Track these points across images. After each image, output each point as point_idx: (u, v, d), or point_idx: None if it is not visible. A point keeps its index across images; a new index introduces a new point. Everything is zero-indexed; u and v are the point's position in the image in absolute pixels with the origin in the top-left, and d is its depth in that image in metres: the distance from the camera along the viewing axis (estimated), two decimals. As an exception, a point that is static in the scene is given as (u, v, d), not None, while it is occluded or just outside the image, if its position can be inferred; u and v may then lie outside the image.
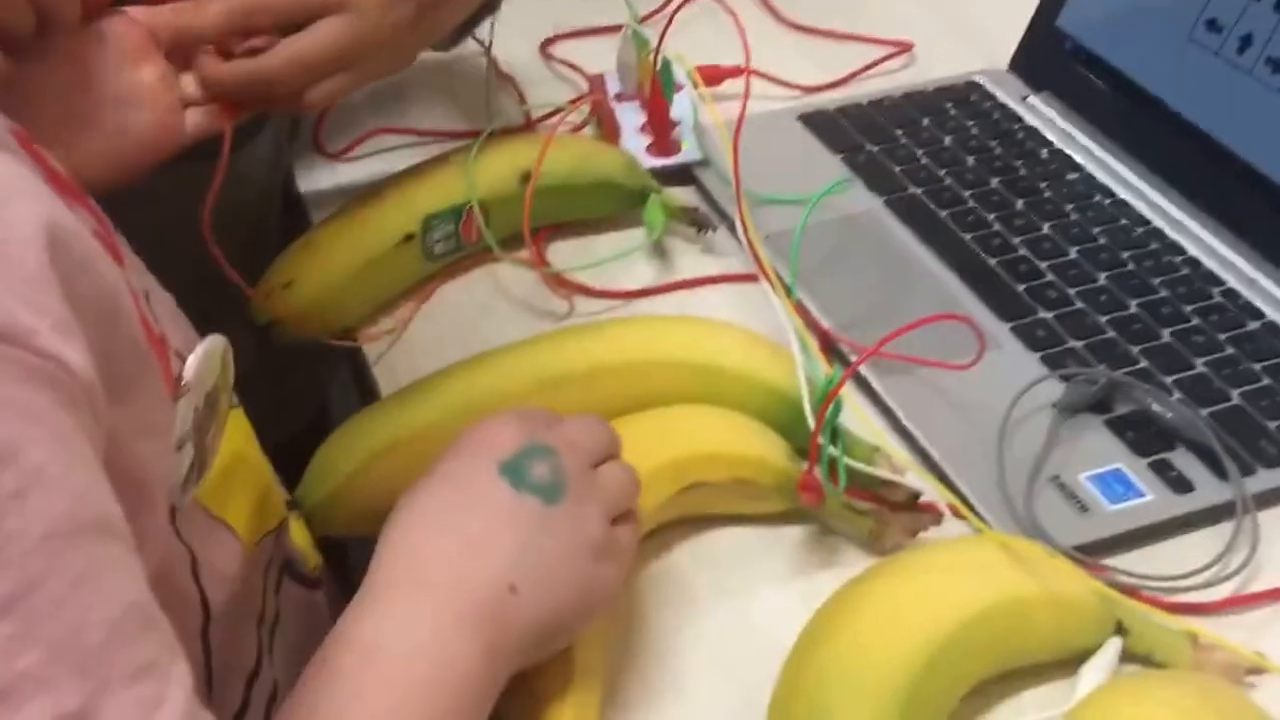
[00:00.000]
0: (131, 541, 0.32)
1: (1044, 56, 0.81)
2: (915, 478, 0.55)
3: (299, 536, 0.54)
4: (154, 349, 0.38)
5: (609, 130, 0.74)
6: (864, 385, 0.62)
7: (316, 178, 0.77)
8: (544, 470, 0.45)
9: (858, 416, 0.57)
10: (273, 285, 0.65)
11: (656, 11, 0.86)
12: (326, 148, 0.78)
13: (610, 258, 0.69)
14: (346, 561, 0.61)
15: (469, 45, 0.85)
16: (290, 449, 0.56)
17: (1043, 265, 0.68)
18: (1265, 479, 0.57)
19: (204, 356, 0.42)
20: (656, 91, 0.72)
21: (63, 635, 0.28)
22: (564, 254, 0.71)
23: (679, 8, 0.71)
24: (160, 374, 0.39)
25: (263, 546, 0.48)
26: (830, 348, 0.63)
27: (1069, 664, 0.50)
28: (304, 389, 0.85)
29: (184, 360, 0.41)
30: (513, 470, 0.44)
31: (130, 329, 0.37)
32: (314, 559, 0.54)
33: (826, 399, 0.53)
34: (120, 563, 0.31)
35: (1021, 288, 0.66)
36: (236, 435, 0.46)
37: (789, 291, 0.61)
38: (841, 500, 0.54)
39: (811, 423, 0.54)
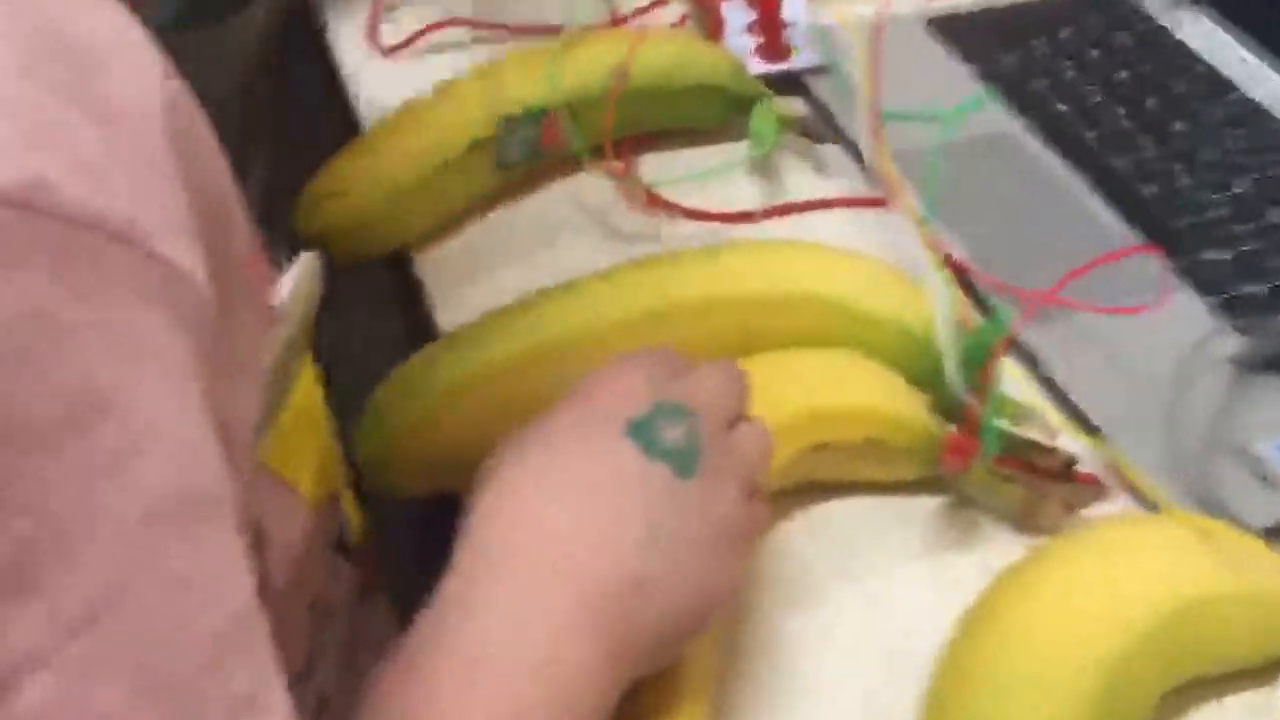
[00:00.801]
0: (237, 518, 0.26)
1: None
2: (1073, 443, 0.50)
3: (345, 500, 0.48)
4: (251, 264, 0.33)
5: (711, 28, 0.67)
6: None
7: (370, 78, 0.70)
8: (678, 434, 0.38)
9: (1003, 367, 0.51)
10: (320, 194, 0.59)
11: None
12: (382, 42, 0.72)
13: (710, 172, 0.63)
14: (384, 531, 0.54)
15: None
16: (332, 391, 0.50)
17: (1212, 197, 0.61)
18: None
19: (300, 278, 0.36)
20: (769, -15, 0.65)
21: (153, 661, 0.23)
22: (656, 168, 0.64)
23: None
24: (257, 297, 0.33)
25: (322, 514, 0.42)
26: (966, 285, 0.57)
27: (1269, 671, 0.44)
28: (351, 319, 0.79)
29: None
30: (643, 432, 0.38)
31: (240, 233, 0.31)
32: (358, 526, 0.48)
33: (989, 359, 0.46)
34: (229, 553, 0.25)
35: (1186, 221, 0.60)
36: (306, 383, 0.40)
37: (923, 221, 0.55)
38: (989, 468, 0.48)
39: (954, 379, 0.48)
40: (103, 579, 0.22)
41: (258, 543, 0.35)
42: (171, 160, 0.26)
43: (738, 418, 0.41)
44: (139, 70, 0.26)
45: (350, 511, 0.48)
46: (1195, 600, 0.42)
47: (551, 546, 0.36)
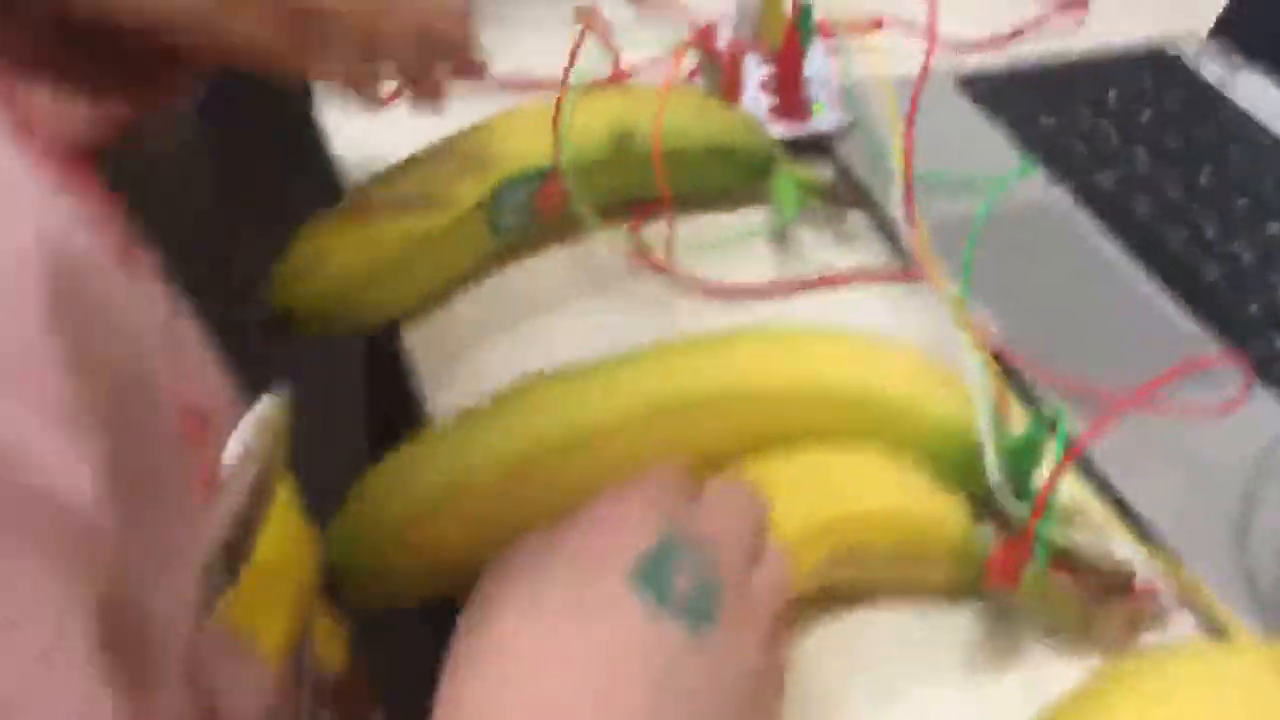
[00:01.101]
0: None
1: (1260, 20, 0.69)
2: (1131, 550, 0.45)
3: (321, 630, 0.42)
4: (188, 428, 0.28)
5: (727, 86, 0.63)
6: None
7: (352, 134, 0.66)
8: (691, 580, 0.34)
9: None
10: (295, 267, 0.54)
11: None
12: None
13: (726, 240, 0.58)
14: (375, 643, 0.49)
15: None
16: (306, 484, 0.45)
17: (1277, 280, 0.56)
18: None
19: (255, 432, 0.31)
20: (792, 41, 0.61)
21: None
22: (667, 235, 0.59)
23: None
24: (196, 473, 0.28)
25: (291, 658, 0.37)
26: (1008, 373, 0.52)
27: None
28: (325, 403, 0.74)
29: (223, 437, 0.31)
30: (651, 577, 0.33)
31: (158, 408, 0.27)
32: (340, 655, 0.42)
33: (1052, 475, 0.42)
34: None
35: (1254, 308, 0.55)
36: (277, 513, 0.35)
37: (962, 303, 0.50)
38: (1041, 581, 0.43)
39: (995, 476, 0.43)
40: None
41: (212, 711, 0.30)
42: (51, 338, 0.21)
43: (757, 551, 0.36)
44: (12, 232, 0.22)
45: (327, 645, 0.43)
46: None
47: (546, 715, 0.31)
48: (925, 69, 0.52)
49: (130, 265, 0.28)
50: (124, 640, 0.24)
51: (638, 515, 0.35)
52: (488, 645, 0.32)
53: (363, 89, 0.49)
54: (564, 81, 0.56)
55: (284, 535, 0.36)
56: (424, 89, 0.51)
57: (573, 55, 0.64)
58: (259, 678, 0.34)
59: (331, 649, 0.42)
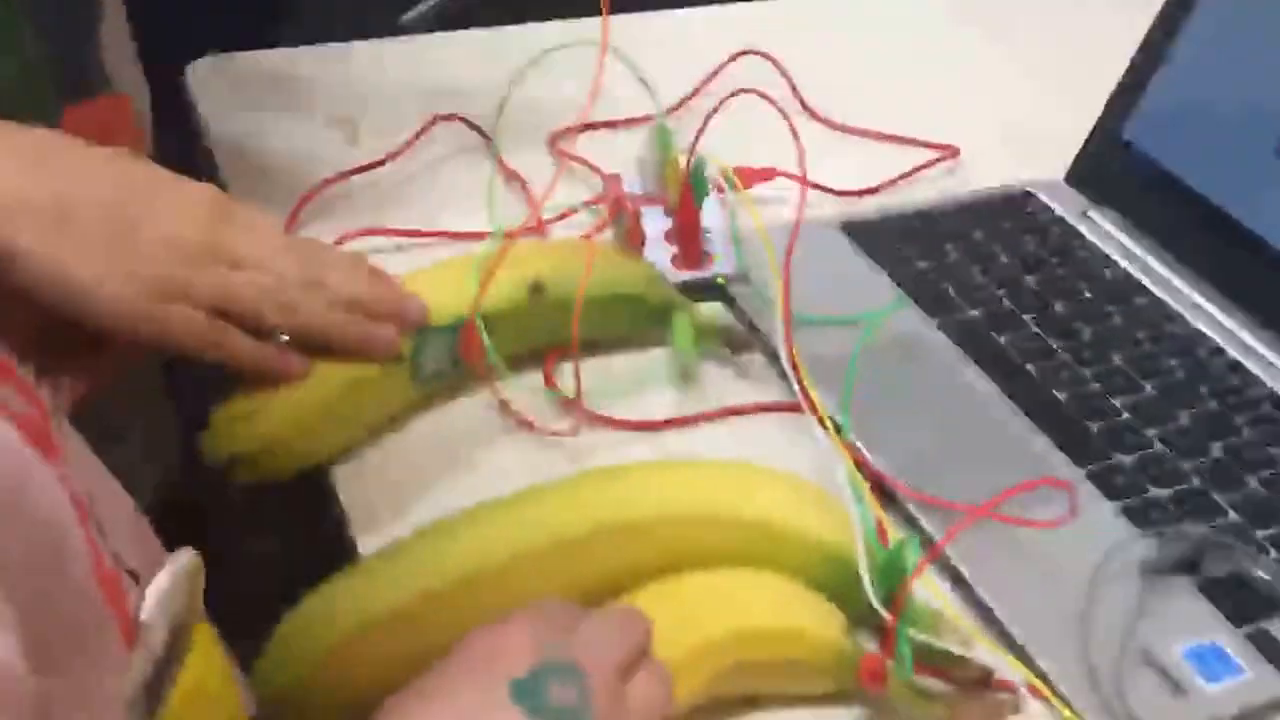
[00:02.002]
0: None
1: (1106, 169, 0.80)
2: (987, 653, 0.53)
3: None
4: (106, 594, 0.34)
5: (631, 237, 0.72)
6: (916, 528, 0.59)
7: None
8: (566, 694, 0.41)
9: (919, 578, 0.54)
10: (229, 416, 0.60)
11: (680, 106, 0.85)
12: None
13: (633, 381, 0.67)
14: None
15: (471, 137, 0.84)
16: (240, 613, 0.52)
17: (1116, 402, 0.65)
18: (1380, 656, 0.54)
19: (169, 586, 0.38)
20: (687, 196, 0.70)
21: None
22: (581, 377, 0.68)
23: (724, 101, 0.70)
24: (116, 625, 0.35)
25: None
26: (883, 493, 0.61)
27: None
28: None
29: (142, 590, 0.37)
30: (528, 693, 0.40)
31: (76, 574, 0.33)
32: None
33: (906, 580, 0.50)
34: None
35: (1094, 427, 0.64)
36: (199, 659, 0.41)
37: (840, 430, 0.59)
38: (908, 682, 0.51)
39: (872, 597, 0.51)
40: None
41: None
42: None
43: (634, 666, 0.44)
44: None
45: None
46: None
47: None
48: (797, 224, 0.62)
49: (47, 450, 0.34)
50: None
51: (517, 641, 0.42)
52: None
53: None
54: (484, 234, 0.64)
55: (208, 673, 0.42)
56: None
57: (491, 210, 0.74)
58: None
59: None
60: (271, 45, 0.94)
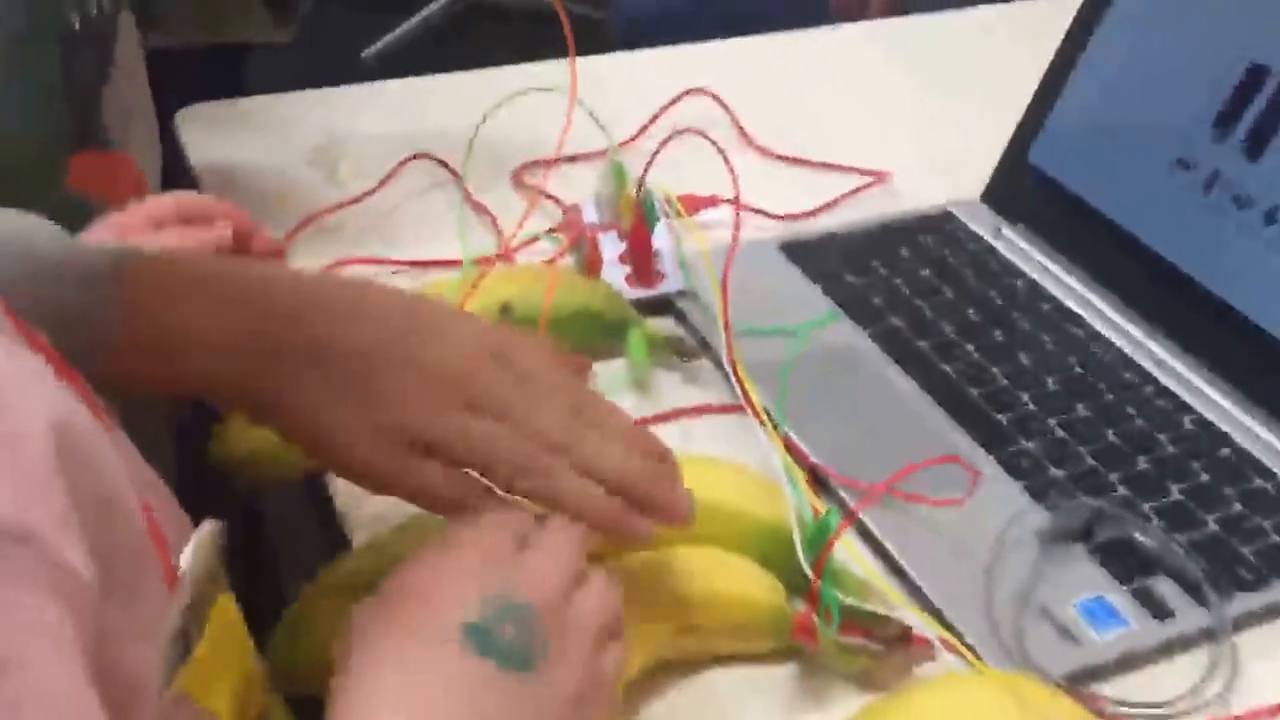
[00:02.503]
0: None
1: (1016, 189, 0.90)
2: (906, 613, 0.61)
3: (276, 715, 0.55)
4: (156, 545, 0.42)
5: (590, 261, 0.81)
6: (846, 512, 0.68)
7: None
8: (514, 631, 0.45)
9: (847, 549, 0.63)
10: (236, 424, 0.68)
11: (632, 140, 0.94)
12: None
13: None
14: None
15: (441, 174, 0.92)
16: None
17: (1023, 396, 0.75)
18: (1242, 603, 0.63)
19: (197, 546, 0.44)
20: (639, 222, 0.79)
21: None
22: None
23: (666, 140, 0.79)
24: (162, 571, 0.42)
25: None
26: (818, 480, 0.70)
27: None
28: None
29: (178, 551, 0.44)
30: (481, 635, 0.45)
31: (132, 526, 0.40)
32: None
33: (824, 546, 0.59)
34: None
35: (1003, 418, 0.73)
36: (222, 618, 0.48)
37: (776, 426, 0.68)
38: (834, 639, 0.60)
39: (805, 563, 0.59)
40: None
41: None
42: (57, 475, 0.35)
43: (576, 582, 0.49)
44: (29, 402, 0.36)
45: None
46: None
47: None
48: (733, 245, 0.70)
49: (103, 423, 0.43)
50: (114, 672, 0.36)
51: (458, 585, 0.46)
52: (354, 703, 0.45)
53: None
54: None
55: (228, 631, 0.49)
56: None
57: (463, 240, 0.82)
58: None
59: None
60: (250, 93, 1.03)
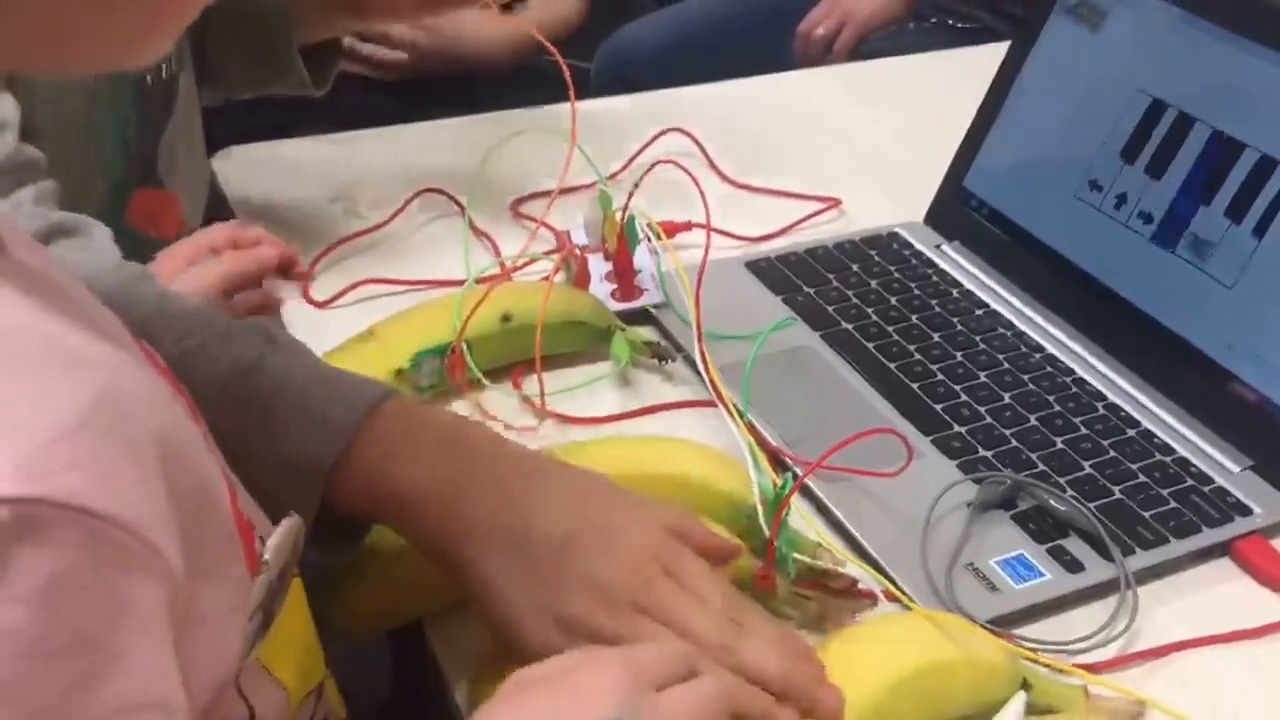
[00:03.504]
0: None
1: (953, 211, 0.98)
2: (853, 567, 0.69)
3: (329, 689, 0.61)
4: (241, 534, 0.47)
5: (580, 278, 0.89)
6: (808, 492, 0.75)
7: (306, 325, 0.88)
8: None
9: (803, 518, 0.70)
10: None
11: (617, 174, 1.02)
12: (314, 298, 0.91)
13: (582, 386, 0.83)
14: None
15: (448, 206, 1.00)
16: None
17: (957, 388, 0.82)
18: (1143, 559, 0.71)
19: (282, 536, 0.51)
20: (622, 244, 0.87)
21: None
22: (542, 384, 0.84)
23: (646, 172, 0.87)
24: (244, 556, 0.47)
25: (305, 706, 0.55)
26: (778, 461, 0.77)
27: (985, 716, 0.62)
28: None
29: (264, 541, 0.50)
30: None
31: (223, 517, 0.46)
32: (341, 711, 0.62)
33: (779, 505, 0.66)
34: None
35: (939, 407, 0.81)
36: (292, 598, 0.54)
37: (741, 414, 0.75)
38: (790, 589, 0.67)
39: (765, 526, 0.67)
40: None
41: (250, 716, 0.50)
42: (161, 477, 0.40)
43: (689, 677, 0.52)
44: (148, 413, 0.41)
45: (333, 699, 0.62)
46: (929, 663, 0.61)
47: None
48: (703, 263, 0.78)
49: (202, 430, 0.49)
50: (208, 641, 0.43)
51: (608, 685, 0.49)
52: None
53: None
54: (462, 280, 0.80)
55: (295, 614, 0.56)
56: None
57: (467, 261, 0.90)
58: (279, 699, 0.53)
59: (336, 702, 0.62)
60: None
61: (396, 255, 0.96)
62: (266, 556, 0.50)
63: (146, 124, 0.80)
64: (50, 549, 0.36)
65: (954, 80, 1.08)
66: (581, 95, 0.95)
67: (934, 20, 1.67)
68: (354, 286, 0.91)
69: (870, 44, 1.63)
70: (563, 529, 0.58)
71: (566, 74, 0.88)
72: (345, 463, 0.59)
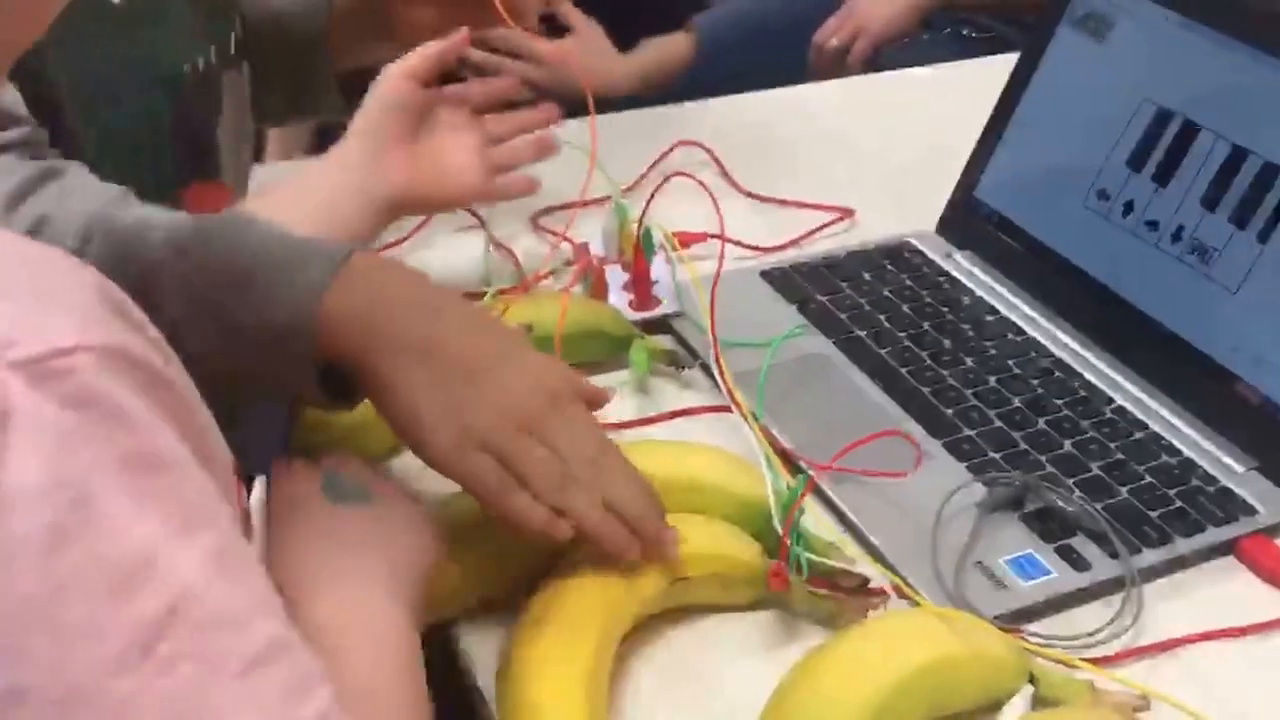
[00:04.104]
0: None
1: (965, 220, 1.00)
2: (865, 566, 0.71)
3: None
4: (238, 474, 0.52)
5: (598, 289, 0.91)
6: (822, 494, 0.77)
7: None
8: (350, 483, 0.65)
9: (817, 519, 0.73)
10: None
11: (633, 186, 1.05)
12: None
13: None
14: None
15: (469, 220, 1.03)
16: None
17: (967, 392, 0.85)
18: (1148, 557, 0.73)
19: (260, 492, 0.57)
20: (639, 255, 0.90)
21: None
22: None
23: (661, 183, 0.89)
24: (239, 510, 0.51)
25: None
26: (792, 464, 0.79)
27: (993, 709, 0.65)
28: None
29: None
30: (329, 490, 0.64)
31: (223, 461, 0.49)
32: None
33: (793, 506, 0.68)
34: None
35: (950, 411, 0.83)
36: None
37: (756, 419, 0.78)
38: (804, 588, 0.69)
39: (778, 527, 0.69)
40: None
41: None
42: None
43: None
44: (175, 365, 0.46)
45: None
46: (938, 657, 0.63)
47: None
48: (717, 273, 0.81)
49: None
50: None
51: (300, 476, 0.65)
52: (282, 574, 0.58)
53: None
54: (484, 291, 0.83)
55: None
56: None
57: (488, 274, 0.92)
58: None
59: None
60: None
61: (420, 267, 0.96)
62: (250, 507, 0.55)
63: (189, 116, 0.83)
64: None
65: (965, 91, 1.10)
66: (607, 109, 0.98)
67: (948, 30, 1.69)
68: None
69: (885, 55, 1.65)
70: (474, 351, 0.65)
71: (589, 93, 0.91)
72: (329, 313, 0.63)
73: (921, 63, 1.39)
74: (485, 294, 0.91)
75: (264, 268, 0.63)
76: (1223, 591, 0.73)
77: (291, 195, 0.82)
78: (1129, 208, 0.90)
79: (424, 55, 0.86)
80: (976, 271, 0.97)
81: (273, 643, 0.42)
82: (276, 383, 0.65)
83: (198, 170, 0.84)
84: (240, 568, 0.42)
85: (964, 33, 1.68)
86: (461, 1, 0.88)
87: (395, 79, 0.86)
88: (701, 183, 0.92)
